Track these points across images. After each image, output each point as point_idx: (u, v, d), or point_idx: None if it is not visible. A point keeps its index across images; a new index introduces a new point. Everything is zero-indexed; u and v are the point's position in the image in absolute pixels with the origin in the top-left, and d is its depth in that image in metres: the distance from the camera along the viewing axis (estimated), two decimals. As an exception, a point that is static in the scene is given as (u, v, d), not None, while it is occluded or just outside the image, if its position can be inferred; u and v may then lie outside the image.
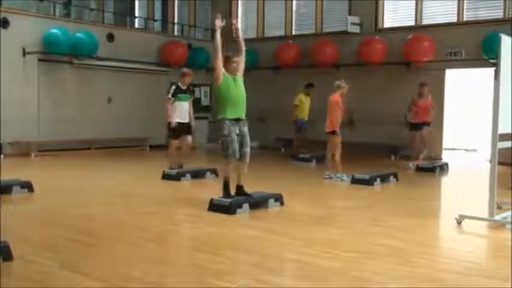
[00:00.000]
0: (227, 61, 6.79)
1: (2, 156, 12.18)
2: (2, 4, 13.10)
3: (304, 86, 13.06)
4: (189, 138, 9.87)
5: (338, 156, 9.69)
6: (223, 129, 6.72)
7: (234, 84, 6.79)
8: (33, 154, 12.67)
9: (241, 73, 6.95)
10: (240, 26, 7.48)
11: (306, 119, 12.90)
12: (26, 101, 12.90)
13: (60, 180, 9.38)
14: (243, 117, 6.86)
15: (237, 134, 6.76)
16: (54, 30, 13.16)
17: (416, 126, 11.49)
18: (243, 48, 7.01)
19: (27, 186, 7.85)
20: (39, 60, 13.18)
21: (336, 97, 9.65)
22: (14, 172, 9.12)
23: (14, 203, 7.38)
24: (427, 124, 11.48)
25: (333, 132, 9.67)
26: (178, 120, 9.65)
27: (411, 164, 11.38)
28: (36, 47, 13.03)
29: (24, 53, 12.86)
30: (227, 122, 6.72)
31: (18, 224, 6.09)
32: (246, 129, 6.88)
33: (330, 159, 9.88)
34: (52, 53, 13.23)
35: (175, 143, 9.86)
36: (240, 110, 6.81)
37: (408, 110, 11.62)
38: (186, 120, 9.79)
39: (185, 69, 10.21)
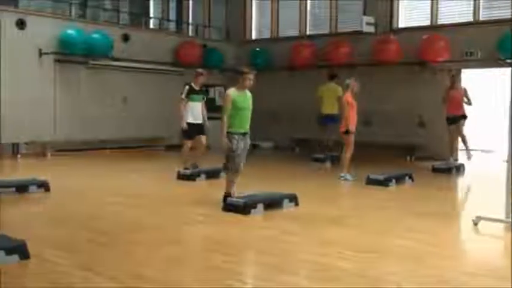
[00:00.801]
0: (241, 77, 6.89)
1: (18, 156, 12.31)
2: (19, 5, 13.25)
3: (328, 78, 12.94)
4: (203, 138, 9.89)
5: (347, 155, 9.67)
6: (232, 144, 6.82)
7: (243, 100, 6.89)
8: (49, 154, 12.78)
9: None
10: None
11: (329, 112, 12.49)
12: (42, 102, 13.01)
13: (76, 180, 9.45)
14: (248, 130, 7.02)
15: (242, 149, 6.92)
16: (70, 31, 13.26)
17: (450, 120, 11.34)
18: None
19: (44, 185, 7.91)
20: (55, 60, 13.28)
21: (347, 96, 9.62)
22: (31, 172, 9.22)
23: (30, 202, 7.46)
24: (464, 117, 11.26)
25: (346, 132, 9.64)
26: (191, 120, 9.67)
27: (452, 159, 11.44)
28: (52, 47, 13.14)
29: (41, 54, 12.97)
30: (236, 136, 6.84)
31: (34, 223, 6.15)
32: (248, 140, 7.05)
33: (347, 159, 9.83)
34: (68, 54, 13.33)
35: (188, 143, 9.89)
36: (246, 125, 6.97)
37: (443, 102, 11.44)
38: (199, 121, 9.81)
39: (198, 70, 10.22)
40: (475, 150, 14.62)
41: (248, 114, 6.97)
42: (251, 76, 6.90)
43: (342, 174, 9.60)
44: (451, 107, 11.34)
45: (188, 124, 9.70)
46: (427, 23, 13.98)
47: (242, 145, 6.90)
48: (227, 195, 6.97)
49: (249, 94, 7.02)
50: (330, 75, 13.05)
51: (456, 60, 13.10)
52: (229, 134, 6.83)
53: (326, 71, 13.38)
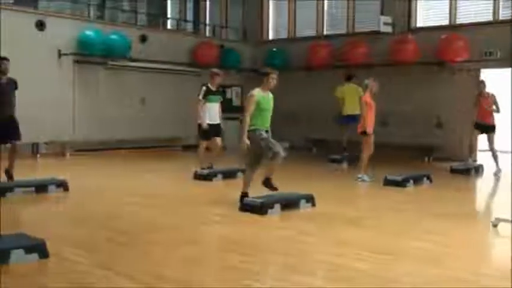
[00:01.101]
0: (266, 77, 6.96)
1: (38, 155, 12.44)
2: (39, 7, 13.41)
3: (345, 79, 12.91)
4: (218, 140, 9.91)
5: (364, 156, 9.63)
6: (261, 135, 6.90)
7: (267, 101, 6.99)
8: (68, 154, 12.91)
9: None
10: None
11: (351, 113, 12.36)
12: (61, 102, 13.14)
13: (94, 179, 9.54)
14: (269, 129, 7.11)
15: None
16: (88, 32, 13.38)
17: (481, 127, 11.09)
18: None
19: (63, 185, 7.99)
20: (74, 61, 13.41)
21: (366, 97, 9.58)
22: (50, 171, 9.32)
23: (49, 202, 7.54)
24: (492, 129, 10.97)
25: (364, 133, 9.60)
26: (208, 121, 9.69)
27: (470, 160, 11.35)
28: (71, 48, 13.27)
29: (60, 55, 13.11)
30: (261, 130, 6.94)
31: (53, 223, 6.23)
32: (270, 134, 7.11)
33: (365, 160, 9.80)
34: (87, 55, 13.46)
35: (204, 143, 9.91)
36: (268, 123, 7.08)
37: (474, 105, 11.15)
38: (217, 122, 9.82)
39: (214, 70, 10.19)
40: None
41: (269, 115, 7.08)
42: (275, 76, 7.00)
43: (360, 175, 9.56)
44: (478, 114, 11.07)
45: (206, 129, 9.70)
46: (445, 22, 13.88)
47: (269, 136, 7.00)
48: (244, 195, 6.99)
49: (271, 95, 7.11)
50: (347, 75, 13.02)
51: (475, 60, 12.99)
52: (255, 130, 6.89)
53: (343, 71, 13.36)
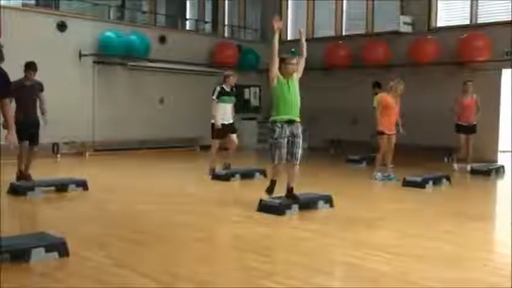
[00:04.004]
0: (282, 63, 6.73)
1: (58, 155, 12.58)
2: (60, 8, 13.55)
3: (376, 87, 12.83)
4: (234, 137, 9.93)
5: (378, 156, 9.67)
6: (274, 132, 6.67)
7: (288, 87, 6.72)
8: (87, 154, 13.03)
9: (298, 75, 6.88)
10: (303, 30, 7.41)
11: None
12: (82, 102, 13.28)
13: (113, 179, 9.62)
14: (297, 119, 6.78)
15: (288, 136, 6.69)
16: (108, 33, 13.50)
17: (462, 128, 11.06)
18: (305, 51, 6.93)
19: (82, 184, 8.08)
20: (94, 62, 13.54)
21: (386, 98, 9.55)
22: (70, 171, 9.43)
23: (69, 201, 7.62)
24: (474, 129, 11.02)
25: (379, 133, 9.58)
26: (221, 121, 9.72)
27: (456, 166, 11.21)
28: (91, 49, 13.41)
29: (80, 56, 13.24)
30: (278, 124, 6.66)
31: (73, 221, 6.29)
32: (299, 131, 6.79)
33: (380, 158, 9.79)
34: (106, 55, 13.59)
35: (217, 143, 9.93)
36: (292, 112, 6.73)
37: (452, 110, 11.15)
38: (230, 121, 9.87)
39: (228, 71, 10.31)
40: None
41: (293, 101, 6.71)
42: (290, 60, 6.74)
43: (374, 173, 9.64)
44: (463, 115, 11.01)
45: (219, 128, 9.74)
46: (466, 22, 13.74)
47: (287, 132, 6.66)
48: (272, 181, 6.92)
49: (294, 78, 6.79)
50: (377, 84, 12.84)
51: (496, 59, 12.83)
52: (272, 122, 6.71)
53: (372, 81, 13.12)
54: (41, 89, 8.31)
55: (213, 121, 9.76)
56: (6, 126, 5.24)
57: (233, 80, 9.96)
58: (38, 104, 8.39)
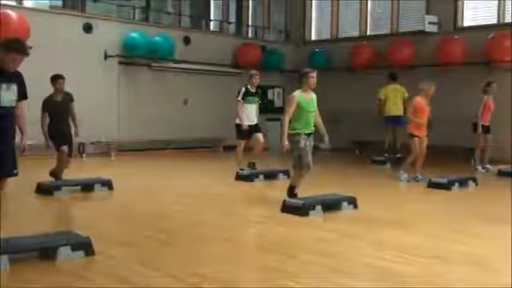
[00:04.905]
0: (304, 77, 6.93)
1: (84, 155, 12.74)
2: (86, 10, 13.73)
3: (389, 78, 12.77)
4: (260, 136, 9.90)
5: (410, 157, 9.55)
6: (299, 142, 6.88)
7: (306, 103, 6.94)
8: (113, 154, 13.17)
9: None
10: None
11: (395, 114, 12.39)
12: (107, 103, 13.43)
13: (138, 179, 9.70)
14: (313, 130, 7.08)
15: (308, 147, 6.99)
16: (133, 34, 13.63)
17: (486, 129, 11.10)
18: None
19: (108, 184, 8.17)
20: (120, 63, 13.69)
21: (418, 100, 9.43)
22: (95, 171, 9.53)
23: (95, 201, 7.72)
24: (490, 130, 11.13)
25: (411, 136, 9.49)
26: (246, 122, 9.73)
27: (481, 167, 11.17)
28: (117, 50, 13.55)
29: (106, 57, 13.39)
30: (303, 136, 6.91)
31: (99, 221, 6.36)
32: (312, 141, 7.09)
33: (411, 161, 9.68)
34: (131, 56, 13.72)
35: (242, 143, 9.94)
36: (311, 125, 7.03)
37: (481, 113, 11.05)
38: (254, 122, 9.87)
39: (253, 71, 10.27)
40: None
41: (312, 115, 7.03)
42: (313, 75, 6.95)
43: (400, 173, 9.58)
44: (487, 116, 11.03)
45: (244, 129, 9.76)
46: (494, 21, 13.53)
47: (308, 144, 6.96)
48: (292, 185, 7.04)
49: (313, 96, 7.07)
50: (391, 75, 12.84)
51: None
52: (296, 135, 6.90)
53: (387, 72, 13.17)
54: (71, 99, 8.37)
55: (237, 121, 9.78)
56: (20, 131, 5.13)
57: (258, 79, 9.95)
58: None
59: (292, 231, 5.95)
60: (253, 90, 9.85)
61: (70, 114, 8.36)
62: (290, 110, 6.86)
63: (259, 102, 10.20)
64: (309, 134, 7.00)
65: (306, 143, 6.92)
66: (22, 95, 4.98)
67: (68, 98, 8.31)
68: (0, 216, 4.63)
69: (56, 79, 8.14)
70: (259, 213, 6.94)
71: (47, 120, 8.01)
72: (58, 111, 8.11)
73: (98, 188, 8.04)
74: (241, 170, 9.71)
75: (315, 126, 7.13)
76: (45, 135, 7.94)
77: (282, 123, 7.03)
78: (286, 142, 6.85)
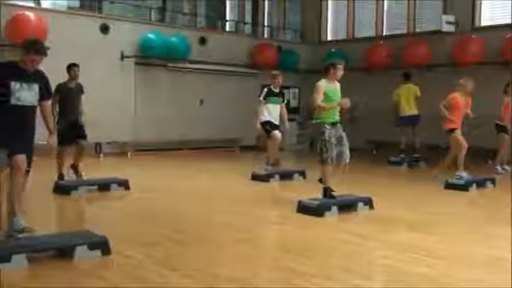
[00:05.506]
0: (333, 67, 6.91)
1: (101, 155, 12.83)
2: (103, 11, 13.84)
3: (404, 78, 12.69)
4: (277, 131, 9.71)
5: (460, 157, 9.25)
6: (324, 133, 6.79)
7: (333, 93, 6.88)
8: (129, 153, 13.25)
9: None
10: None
11: (410, 113, 12.32)
12: (123, 103, 13.51)
13: (154, 179, 9.74)
14: (339, 121, 6.94)
15: (336, 138, 6.84)
16: (150, 35, 13.70)
17: (505, 129, 11.05)
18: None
19: (124, 184, 8.21)
20: (136, 63, 13.76)
21: (455, 96, 9.32)
22: (112, 171, 9.59)
23: (111, 200, 7.77)
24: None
25: (452, 130, 9.34)
26: (269, 119, 9.65)
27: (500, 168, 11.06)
28: (133, 51, 13.63)
29: (122, 57, 13.48)
30: (327, 126, 6.81)
31: (115, 220, 6.41)
32: (343, 132, 6.94)
33: (449, 159, 9.53)
34: (148, 57, 13.79)
35: (275, 133, 9.67)
36: (336, 114, 6.93)
37: (505, 113, 10.97)
38: (276, 123, 9.77)
39: (275, 71, 10.22)
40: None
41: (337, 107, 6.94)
42: (341, 66, 6.94)
43: (457, 173, 9.15)
44: (507, 116, 10.93)
45: (269, 121, 9.66)
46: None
47: (335, 134, 6.83)
48: (325, 187, 6.97)
49: (338, 85, 7.02)
50: (405, 75, 12.75)
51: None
52: (321, 124, 6.82)
53: (403, 72, 13.10)
54: (82, 91, 8.48)
55: (260, 122, 9.65)
56: (47, 129, 5.35)
57: (281, 79, 9.88)
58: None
59: (306, 232, 5.94)
60: (276, 91, 9.79)
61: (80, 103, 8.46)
62: (318, 98, 6.75)
63: (285, 102, 10.12)
64: (334, 124, 6.86)
65: (330, 134, 6.79)
66: (47, 93, 5.09)
67: (80, 88, 8.42)
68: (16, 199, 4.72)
69: (71, 66, 8.35)
70: (274, 213, 6.95)
71: (57, 107, 8.02)
72: (70, 98, 8.21)
73: (115, 188, 8.09)
74: (273, 164, 9.67)
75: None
76: (51, 127, 7.89)
77: (313, 110, 6.93)
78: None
